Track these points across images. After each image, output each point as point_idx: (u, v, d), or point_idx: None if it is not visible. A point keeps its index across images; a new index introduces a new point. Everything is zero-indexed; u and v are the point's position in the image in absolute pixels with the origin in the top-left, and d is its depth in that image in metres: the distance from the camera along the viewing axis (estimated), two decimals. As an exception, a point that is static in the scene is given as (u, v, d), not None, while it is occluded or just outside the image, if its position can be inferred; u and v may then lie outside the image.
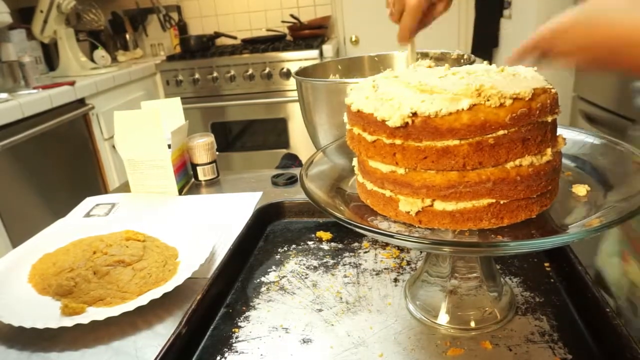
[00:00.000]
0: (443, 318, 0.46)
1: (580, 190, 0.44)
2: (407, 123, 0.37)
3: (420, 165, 0.38)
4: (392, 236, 0.38)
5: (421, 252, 0.57)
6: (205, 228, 0.66)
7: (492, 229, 0.40)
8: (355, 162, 0.48)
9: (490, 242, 0.39)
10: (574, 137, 0.49)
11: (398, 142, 0.39)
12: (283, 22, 2.76)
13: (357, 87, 0.45)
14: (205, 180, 0.93)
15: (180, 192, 0.88)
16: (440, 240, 0.40)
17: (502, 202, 0.39)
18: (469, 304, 0.46)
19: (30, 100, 1.62)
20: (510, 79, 0.38)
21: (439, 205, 0.39)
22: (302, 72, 0.81)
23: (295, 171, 0.93)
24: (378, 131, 0.40)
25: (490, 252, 0.41)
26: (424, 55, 0.82)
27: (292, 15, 2.71)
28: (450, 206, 0.39)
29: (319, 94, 0.72)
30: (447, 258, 0.47)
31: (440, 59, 0.80)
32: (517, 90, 0.36)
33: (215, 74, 2.37)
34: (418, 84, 0.39)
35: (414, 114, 0.37)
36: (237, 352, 0.45)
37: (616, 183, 0.44)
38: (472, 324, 0.45)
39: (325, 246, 0.63)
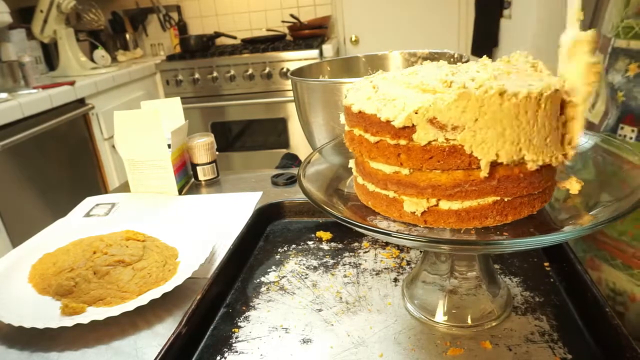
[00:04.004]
0: (441, 317, 0.46)
1: (575, 187, 0.44)
2: (413, 123, 0.37)
3: (425, 165, 0.38)
4: (390, 234, 0.38)
5: (420, 251, 0.57)
6: (205, 228, 0.66)
7: (491, 227, 0.40)
8: (352, 163, 0.47)
9: (487, 240, 0.39)
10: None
11: (403, 142, 0.38)
12: (283, 22, 2.77)
13: (353, 87, 0.44)
14: (205, 180, 0.93)
15: (180, 192, 0.88)
16: (438, 238, 0.40)
17: (506, 199, 0.39)
18: (468, 303, 0.46)
19: (30, 100, 1.62)
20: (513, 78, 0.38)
21: (445, 205, 0.39)
22: (298, 73, 0.81)
23: (295, 171, 0.93)
24: (381, 132, 0.39)
25: (488, 249, 0.41)
26: (412, 55, 0.82)
27: (292, 15, 2.71)
28: (455, 205, 0.39)
29: (315, 94, 0.72)
30: (446, 257, 0.47)
31: (428, 59, 0.80)
32: (516, 90, 0.36)
33: (215, 74, 2.37)
34: (420, 84, 0.39)
35: (419, 114, 0.37)
36: (237, 352, 0.45)
37: (611, 181, 0.44)
38: (469, 322, 0.45)
39: (325, 246, 0.63)
